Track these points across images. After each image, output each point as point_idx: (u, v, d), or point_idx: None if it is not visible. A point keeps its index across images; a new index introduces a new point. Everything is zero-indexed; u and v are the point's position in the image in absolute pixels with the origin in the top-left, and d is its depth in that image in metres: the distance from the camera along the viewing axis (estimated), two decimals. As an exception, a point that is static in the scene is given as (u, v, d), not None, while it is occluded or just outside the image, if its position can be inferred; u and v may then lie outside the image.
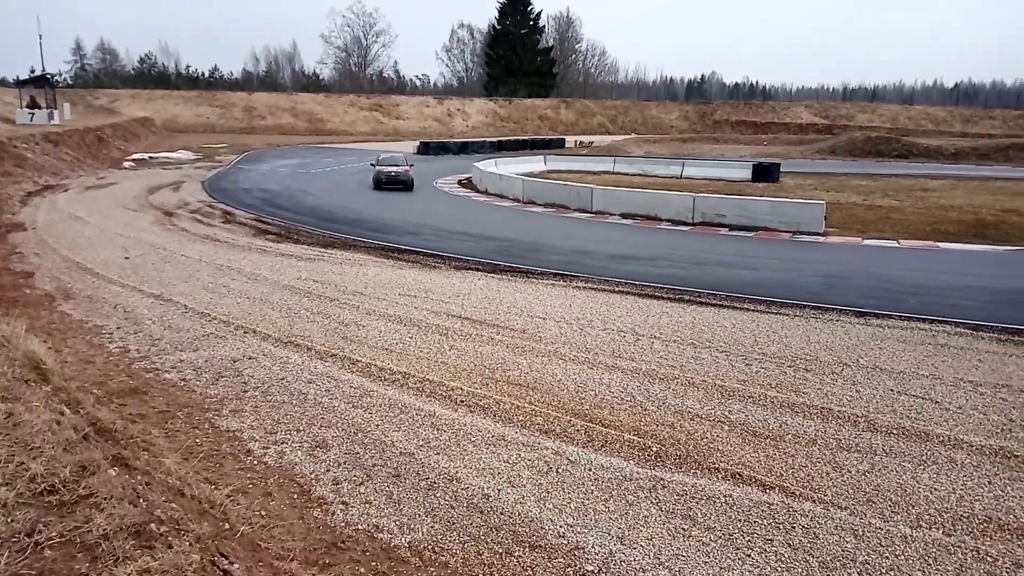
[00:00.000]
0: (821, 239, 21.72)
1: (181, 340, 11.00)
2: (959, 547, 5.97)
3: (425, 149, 54.42)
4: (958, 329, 12.25)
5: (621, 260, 18.06)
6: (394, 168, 32.54)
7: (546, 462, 7.36)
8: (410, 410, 8.54)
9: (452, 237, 20.75)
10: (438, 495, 6.70)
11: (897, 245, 20.79)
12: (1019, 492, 6.89)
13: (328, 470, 7.13)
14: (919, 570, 5.65)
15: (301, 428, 8.05)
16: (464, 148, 56.88)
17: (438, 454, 7.49)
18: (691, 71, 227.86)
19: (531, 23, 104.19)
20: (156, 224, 21.69)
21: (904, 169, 46.57)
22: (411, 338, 11.25)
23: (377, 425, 8.13)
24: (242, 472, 7.02)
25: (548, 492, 6.78)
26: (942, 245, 20.70)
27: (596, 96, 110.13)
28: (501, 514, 6.39)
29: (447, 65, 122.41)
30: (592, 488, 6.87)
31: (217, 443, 7.63)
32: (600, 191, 27.74)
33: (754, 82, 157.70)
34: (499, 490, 6.78)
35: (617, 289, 14.83)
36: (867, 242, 21.19)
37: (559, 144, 64.19)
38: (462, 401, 8.85)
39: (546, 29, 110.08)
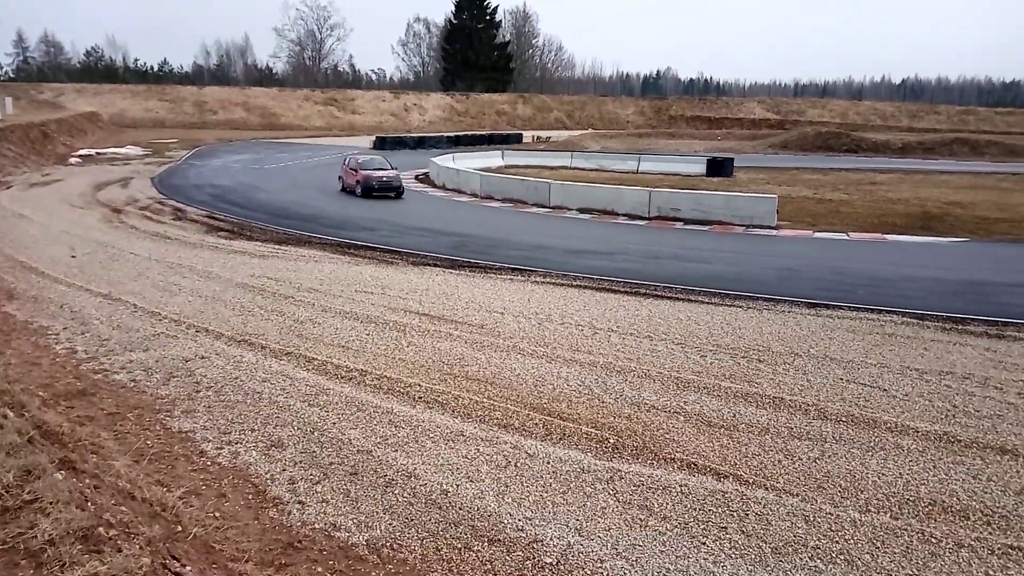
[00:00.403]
0: (774, 232, 22.14)
1: (131, 340, 10.73)
2: (905, 530, 6.15)
3: (381, 144, 53.96)
4: (905, 319, 12.60)
5: (579, 255, 18.17)
6: (384, 172, 28.51)
7: (505, 456, 7.38)
8: (367, 407, 8.48)
9: (410, 232, 20.64)
10: (396, 492, 6.66)
11: (847, 238, 21.30)
12: (962, 475, 7.13)
13: (284, 469, 7.04)
14: (867, 553, 5.81)
15: (256, 428, 7.93)
16: (421, 143, 56.61)
17: (396, 451, 7.45)
18: (647, 67, 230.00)
19: (488, 17, 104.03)
20: (104, 222, 21.12)
21: (853, 163, 47.74)
22: (368, 335, 11.17)
23: (334, 423, 8.05)
24: (195, 473, 6.89)
25: (507, 486, 6.80)
26: (890, 237, 21.27)
27: (553, 91, 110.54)
28: (460, 509, 6.39)
29: (403, 59, 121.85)
30: (550, 481, 6.91)
31: (169, 444, 7.47)
32: (558, 186, 27.85)
33: (708, 78, 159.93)
34: (458, 485, 6.78)
35: (575, 283, 14.92)
36: (818, 235, 21.67)
37: (517, 139, 64.27)
38: (420, 397, 8.81)
39: (503, 24, 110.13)
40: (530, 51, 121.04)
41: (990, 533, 6.15)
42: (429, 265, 16.36)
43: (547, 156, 45.80)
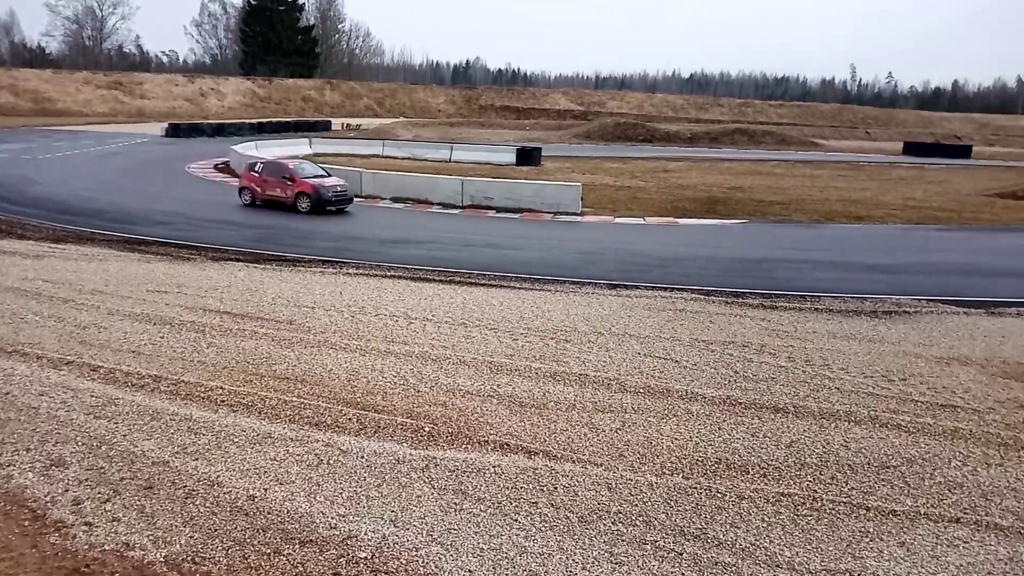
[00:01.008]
0: (579, 219, 23.23)
1: None
2: (695, 488, 6.72)
3: (175, 132, 50.14)
4: (694, 295, 13.72)
5: (392, 244, 18.00)
6: (334, 181, 23.07)
7: (316, 455, 7.16)
8: (163, 416, 7.87)
9: (208, 226, 19.37)
10: (197, 503, 6.25)
11: (644, 222, 22.81)
12: (743, 435, 7.90)
13: (67, 490, 6.36)
14: (663, 513, 6.29)
15: (32, 447, 7.11)
16: (220, 130, 53.24)
17: (196, 459, 6.99)
18: (456, 56, 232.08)
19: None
20: None
21: (649, 152, 51.16)
22: (162, 338, 10.35)
23: (124, 435, 7.40)
24: (-47, 506, 6.05)
25: (319, 485, 6.61)
26: (681, 221, 23.06)
27: (362, 78, 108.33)
28: (268, 514, 6.12)
29: (198, 41, 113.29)
30: (365, 475, 6.80)
31: (-81, 476, 6.50)
32: (370, 175, 27.39)
33: (516, 69, 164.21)
34: (266, 489, 6.49)
35: (389, 274, 14.76)
36: (618, 220, 23.02)
37: (325, 127, 62.31)
38: (223, 401, 8.32)
39: (307, 7, 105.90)
40: (336, 36, 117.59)
41: (766, 484, 6.87)
42: (231, 260, 15.46)
43: (358, 144, 44.84)
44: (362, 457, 7.15)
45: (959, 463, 7.39)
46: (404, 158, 40.38)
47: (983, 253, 19.23)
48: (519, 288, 13.94)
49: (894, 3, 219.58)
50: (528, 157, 38.78)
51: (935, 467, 7.28)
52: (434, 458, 7.14)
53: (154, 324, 10.91)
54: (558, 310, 12.43)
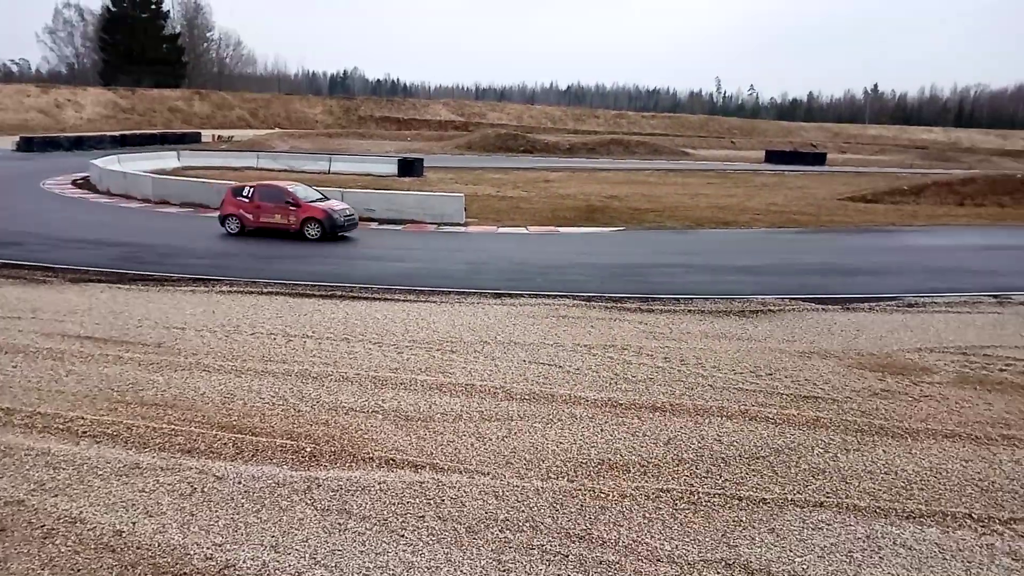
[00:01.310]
0: (463, 229, 23.30)
1: None
2: (580, 490, 6.86)
3: (28, 145, 46.58)
4: (576, 302, 14.04)
5: (269, 260, 17.41)
6: (340, 204, 21.38)
7: (189, 483, 6.80)
8: (16, 451, 7.25)
9: (66, 246, 18.06)
10: (58, 542, 5.79)
11: (526, 231, 23.15)
12: (624, 435, 8.13)
13: (-101, 542, 5.74)
14: (549, 517, 6.37)
15: None
16: (79, 144, 49.91)
17: (56, 496, 6.48)
18: (333, 66, 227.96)
19: (153, 7, 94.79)
20: None
21: (530, 163, 52.02)
22: (15, 367, 9.55)
23: (-31, 476, 6.76)
24: None
25: (192, 515, 6.27)
26: (562, 229, 23.56)
27: (234, 88, 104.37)
28: (138, 549, 5.75)
29: (52, 49, 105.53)
30: (243, 501, 6.52)
31: None
32: (244, 189, 26.35)
33: (396, 79, 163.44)
34: (134, 523, 6.09)
35: (266, 290, 14.26)
36: (502, 230, 23.26)
37: (195, 139, 59.65)
38: (84, 432, 7.76)
39: (171, 15, 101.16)
40: (205, 45, 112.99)
41: (646, 481, 7.10)
42: (92, 281, 14.47)
43: (231, 157, 43.19)
44: (239, 483, 6.85)
45: (821, 450, 7.90)
46: (281, 170, 39.19)
47: (838, 253, 20.74)
48: (404, 300, 13.81)
49: (755, 19, 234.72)
50: (410, 168, 38.59)
51: (800, 455, 7.76)
52: (316, 479, 6.94)
53: (5, 353, 10.05)
54: (443, 321, 12.40)
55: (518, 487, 6.86)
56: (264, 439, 7.74)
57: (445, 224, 23.75)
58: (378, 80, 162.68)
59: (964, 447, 8.05)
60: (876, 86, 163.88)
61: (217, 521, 6.19)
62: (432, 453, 7.56)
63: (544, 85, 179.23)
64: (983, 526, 6.43)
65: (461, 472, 7.14)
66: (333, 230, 20.15)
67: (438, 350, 10.84)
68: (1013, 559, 5.94)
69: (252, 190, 20.66)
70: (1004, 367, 10.74)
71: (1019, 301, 14.95)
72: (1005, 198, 32.90)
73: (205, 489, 6.71)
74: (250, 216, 20.46)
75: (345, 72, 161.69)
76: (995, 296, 15.30)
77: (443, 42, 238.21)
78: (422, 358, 10.47)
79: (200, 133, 63.46)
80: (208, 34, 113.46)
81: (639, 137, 77.08)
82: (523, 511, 6.44)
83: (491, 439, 7.89)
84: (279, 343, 10.97)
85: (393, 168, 38.98)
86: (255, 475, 6.99)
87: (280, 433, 7.92)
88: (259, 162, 41.52)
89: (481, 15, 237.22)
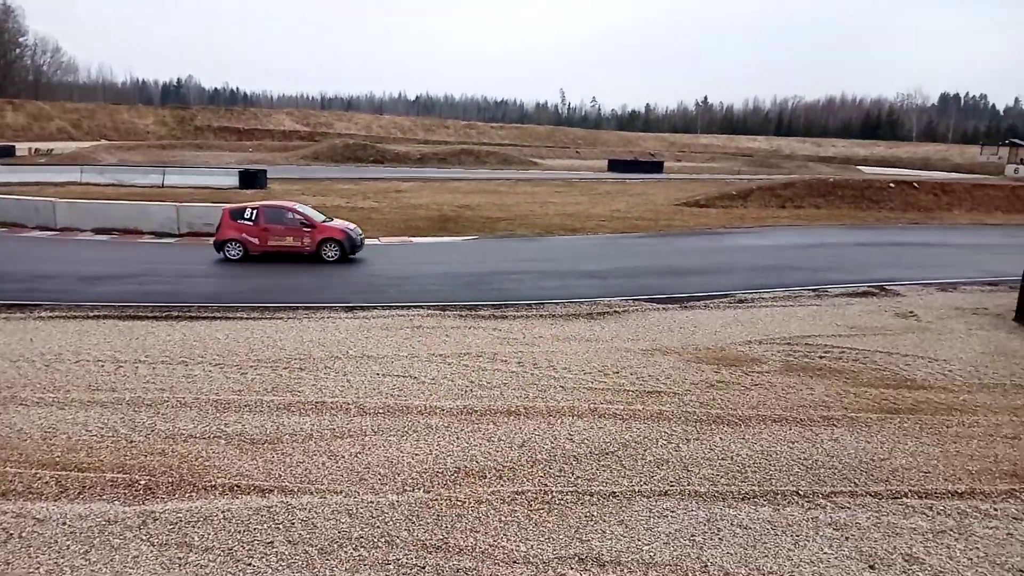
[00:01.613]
0: (311, 241, 22.56)
1: None
2: (436, 500, 6.80)
3: None
4: (430, 311, 13.98)
5: (95, 281, 16.08)
6: (353, 225, 20.45)
7: (4, 529, 6.12)
8: None
9: None
10: None
11: (379, 242, 22.80)
12: (480, 441, 8.16)
13: None
14: (405, 530, 6.27)
15: None
16: None
17: None
18: (166, 74, 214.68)
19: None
20: None
21: (380, 173, 51.41)
22: None
23: None
24: None
25: (8, 564, 5.64)
26: (415, 239, 23.44)
27: (53, 98, 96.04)
28: (-63, 611, 5.10)
29: None
30: (68, 543, 5.94)
31: None
32: (65, 205, 24.26)
33: (235, 88, 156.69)
34: (-67, 582, 5.41)
35: (92, 314, 13.14)
36: (352, 241, 22.75)
37: (7, 152, 54.11)
38: None
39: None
40: (18, 51, 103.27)
41: (502, 485, 7.16)
42: None
43: (50, 171, 39.57)
44: (64, 523, 6.24)
45: (665, 442, 8.31)
46: (108, 185, 36.43)
47: (676, 255, 21.99)
48: (247, 318, 13.19)
49: (596, 34, 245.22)
50: (253, 180, 37.06)
51: (645, 448, 8.11)
52: (152, 512, 6.45)
53: None
54: (291, 338, 11.95)
55: (372, 503, 6.71)
56: (92, 474, 7.12)
57: (292, 237, 22.90)
58: (216, 89, 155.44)
59: (790, 430, 8.74)
60: (706, 98, 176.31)
61: (38, 568, 5.61)
62: (280, 476, 7.24)
63: (393, 95, 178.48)
64: (808, 501, 7.00)
65: (312, 493, 6.88)
66: (353, 250, 19.39)
67: (285, 368, 10.42)
68: (834, 529, 6.50)
69: (256, 212, 19.14)
70: (823, 355, 11.78)
71: (835, 294, 16.48)
72: (820, 200, 36.22)
73: (23, 534, 6.06)
74: (255, 240, 18.97)
75: (179, 80, 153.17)
76: (813, 290, 16.79)
77: (286, 50, 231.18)
78: (268, 378, 10.03)
79: (14, 146, 57.64)
80: (21, 39, 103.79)
81: (489, 147, 78.27)
82: (378, 527, 6.30)
83: (343, 456, 7.68)
84: (107, 370, 10.14)
85: (234, 180, 37.24)
86: (82, 514, 6.39)
87: (110, 467, 7.31)
88: (83, 176, 38.34)
89: (326, 24, 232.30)
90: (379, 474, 7.31)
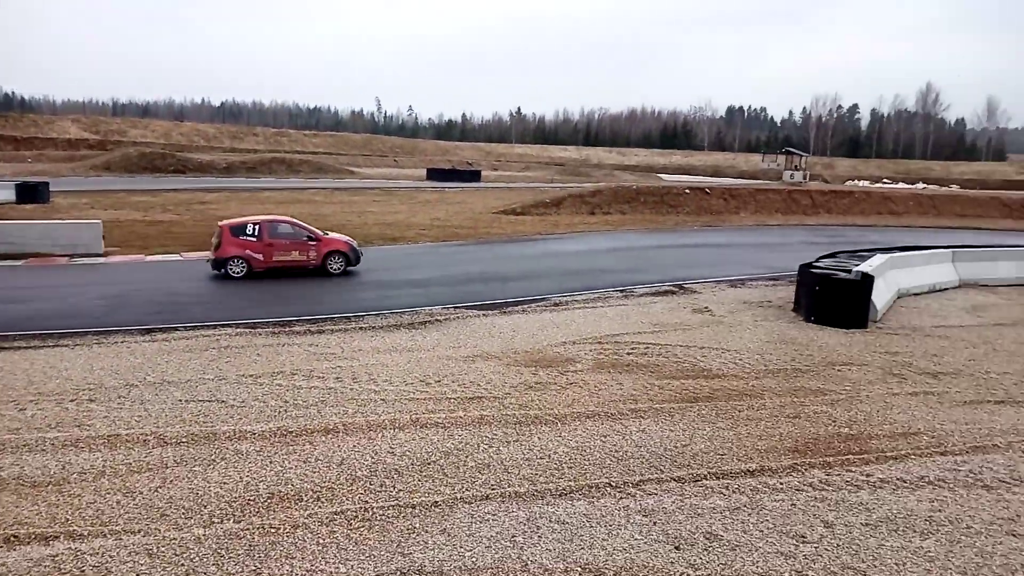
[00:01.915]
0: (102, 260, 20.66)
1: None
2: (248, 529, 6.40)
3: None
4: (239, 330, 13.23)
5: None
6: (347, 236, 20.61)
7: None
8: None
9: None
10: None
11: (181, 258, 21.30)
12: (295, 463, 7.81)
13: None
14: (213, 564, 5.84)
15: None
16: None
17: None
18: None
19: None
20: None
21: (182, 183, 48.16)
22: None
23: None
24: None
25: None
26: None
27: None
28: None
29: None
30: None
31: None
32: None
33: (11, 92, 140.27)
34: None
35: None
36: (150, 258, 21.12)
37: None
38: None
39: None
40: None
41: (320, 507, 6.89)
42: None
43: None
44: None
45: (486, 446, 8.40)
46: None
47: (495, 262, 22.44)
48: (26, 348, 11.78)
49: (414, 42, 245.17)
50: (33, 193, 33.38)
51: (468, 454, 8.16)
52: (-98, 580, 5.56)
53: None
54: (78, 367, 10.81)
55: (175, 539, 6.19)
56: None
57: (80, 255, 20.83)
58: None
59: (602, 424, 9.17)
60: (519, 109, 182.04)
61: None
62: (68, 520, 6.50)
63: (195, 101, 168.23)
64: (619, 491, 7.37)
65: (105, 535, 6.23)
66: (357, 261, 19.79)
67: (72, 401, 9.41)
68: (643, 515, 6.88)
69: (258, 227, 18.70)
70: (630, 351, 12.49)
71: (640, 293, 17.56)
72: (625, 206, 38.57)
73: None
74: (259, 256, 18.61)
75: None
76: (621, 291, 17.80)
77: (70, 52, 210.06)
78: (51, 412, 9.00)
79: None
80: None
81: (302, 155, 75.70)
82: (182, 564, 5.83)
83: (142, 492, 7.04)
84: None
85: (10, 194, 33.32)
86: None
87: None
88: None
89: (111, 25, 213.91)
90: (183, 508, 6.77)
